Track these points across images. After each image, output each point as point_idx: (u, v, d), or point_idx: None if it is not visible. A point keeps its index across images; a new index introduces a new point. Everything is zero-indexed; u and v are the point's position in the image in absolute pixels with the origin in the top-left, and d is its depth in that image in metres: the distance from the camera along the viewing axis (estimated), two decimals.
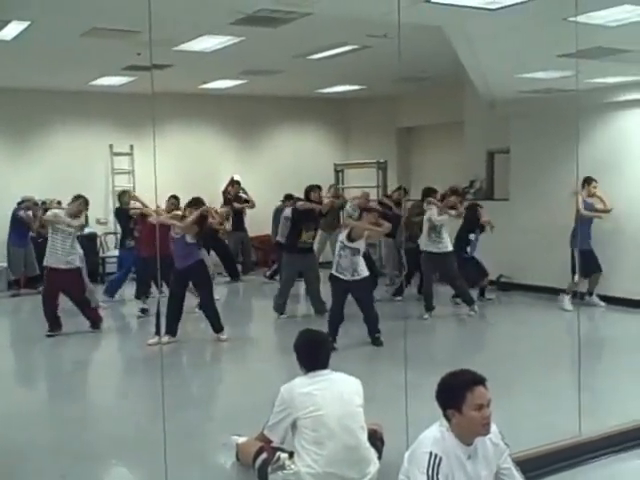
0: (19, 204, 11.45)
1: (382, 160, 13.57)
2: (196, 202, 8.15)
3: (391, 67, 9.40)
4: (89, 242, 11.42)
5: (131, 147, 13.32)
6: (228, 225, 12.12)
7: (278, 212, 12.28)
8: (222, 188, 13.11)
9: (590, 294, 9.55)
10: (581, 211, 8.93)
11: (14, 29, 7.86)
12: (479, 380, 3.24)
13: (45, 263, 8.44)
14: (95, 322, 8.65)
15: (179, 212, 8.45)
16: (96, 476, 4.69)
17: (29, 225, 11.42)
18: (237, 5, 6.90)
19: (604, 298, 9.55)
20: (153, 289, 9.37)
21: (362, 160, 14.18)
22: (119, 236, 11.42)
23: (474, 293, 10.00)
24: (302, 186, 13.12)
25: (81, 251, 9.04)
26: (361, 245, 7.68)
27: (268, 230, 12.98)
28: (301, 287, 10.22)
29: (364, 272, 7.66)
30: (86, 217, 10.80)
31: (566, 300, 9.22)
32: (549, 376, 6.70)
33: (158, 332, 7.68)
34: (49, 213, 8.71)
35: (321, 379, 4.06)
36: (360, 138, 15.27)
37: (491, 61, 8.17)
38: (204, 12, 7.24)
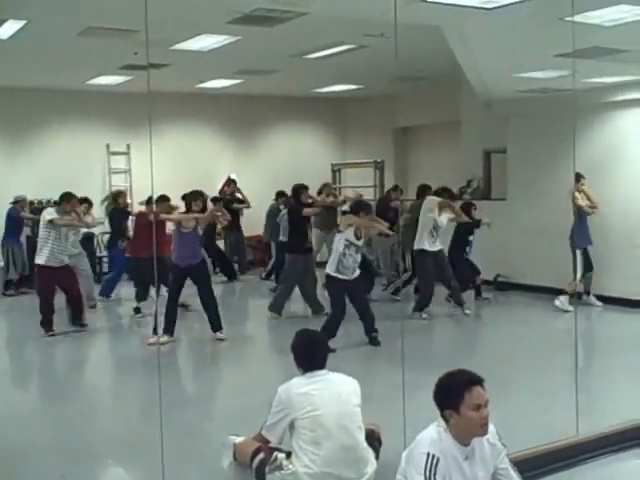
0: (13, 204, 11.42)
1: (379, 160, 13.57)
2: (196, 194, 8.15)
3: (388, 67, 9.42)
4: (86, 242, 11.38)
5: (128, 146, 13.30)
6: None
7: (272, 211, 12.29)
8: (219, 187, 13.11)
9: (587, 294, 9.56)
10: (583, 207, 8.98)
11: (10, 28, 7.84)
12: (477, 380, 3.23)
13: (41, 262, 8.38)
14: (83, 322, 8.67)
15: (179, 210, 8.42)
16: (95, 476, 4.69)
17: (22, 224, 11.41)
18: (234, 4, 6.90)
19: (600, 298, 9.57)
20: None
21: (359, 160, 14.19)
22: (107, 236, 11.38)
23: (471, 293, 10.02)
24: None
25: (78, 249, 9.07)
26: (362, 243, 7.75)
27: None
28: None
29: (358, 270, 7.70)
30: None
31: (565, 301, 9.21)
32: (546, 376, 6.70)
33: (157, 332, 7.67)
34: (51, 214, 8.60)
35: (318, 379, 4.06)
36: (357, 138, 15.27)
37: (488, 61, 8.18)
38: (201, 11, 7.23)
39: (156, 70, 10.05)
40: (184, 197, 8.34)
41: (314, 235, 10.76)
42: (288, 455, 4.00)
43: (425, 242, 9.09)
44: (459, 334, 9.04)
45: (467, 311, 9.22)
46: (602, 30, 6.63)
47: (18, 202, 11.44)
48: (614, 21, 6.48)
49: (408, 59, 9.51)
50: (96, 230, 12.73)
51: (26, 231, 11.92)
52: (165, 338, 7.73)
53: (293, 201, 9.58)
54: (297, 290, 9.39)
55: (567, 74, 7.62)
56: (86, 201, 10.05)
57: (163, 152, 12.70)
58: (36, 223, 11.51)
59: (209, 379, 7.14)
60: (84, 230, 10.72)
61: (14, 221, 11.36)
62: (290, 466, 3.93)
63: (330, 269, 7.62)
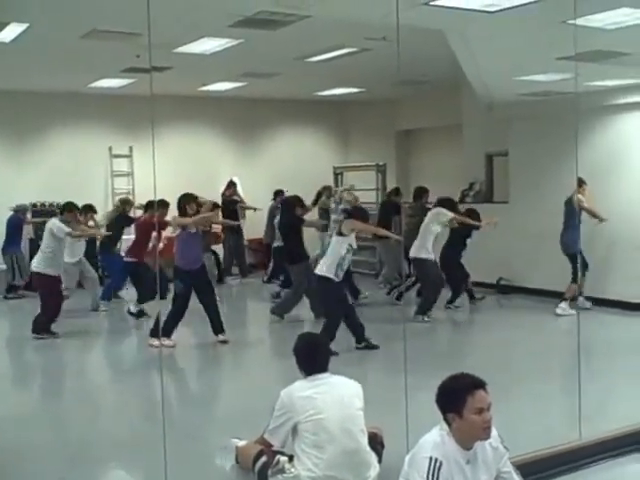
0: (15, 211, 11.44)
1: (381, 163, 13.56)
2: (189, 197, 8.19)
3: (390, 70, 9.36)
4: (88, 244, 11.41)
5: (130, 149, 13.31)
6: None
7: (272, 211, 12.37)
8: (221, 190, 13.14)
9: (579, 294, 9.52)
10: (591, 210, 8.98)
11: (13, 31, 7.85)
12: (479, 384, 3.23)
13: (54, 273, 8.49)
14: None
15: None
16: (96, 478, 4.67)
17: (22, 230, 11.49)
18: (236, 7, 6.90)
19: (601, 301, 9.54)
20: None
21: (361, 163, 14.17)
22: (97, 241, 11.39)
23: (464, 297, 10.01)
24: (301, 189, 13.16)
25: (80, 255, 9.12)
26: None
27: None
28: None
29: None
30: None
31: (567, 306, 9.20)
32: (547, 380, 6.70)
33: (158, 335, 7.66)
34: (56, 225, 8.64)
35: (321, 382, 4.05)
36: (359, 141, 15.28)
37: (490, 64, 8.18)
38: (203, 14, 7.24)
39: (159, 73, 10.06)
40: (178, 201, 8.29)
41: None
42: (291, 459, 3.99)
43: (429, 250, 9.08)
44: (460, 337, 9.04)
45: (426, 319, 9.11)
46: (604, 33, 6.63)
47: (19, 211, 11.47)
48: (616, 24, 6.47)
49: (410, 62, 9.51)
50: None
51: (29, 234, 11.96)
52: (170, 342, 7.73)
53: (287, 213, 9.51)
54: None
55: (569, 77, 7.62)
56: (91, 209, 10.11)
57: (166, 155, 12.71)
58: (39, 227, 11.59)
59: (211, 382, 7.14)
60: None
61: (15, 228, 11.38)
62: (293, 470, 3.92)
63: (328, 272, 7.50)
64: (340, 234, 7.64)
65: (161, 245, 8.60)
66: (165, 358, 7.42)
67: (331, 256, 7.59)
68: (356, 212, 8.03)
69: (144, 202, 10.31)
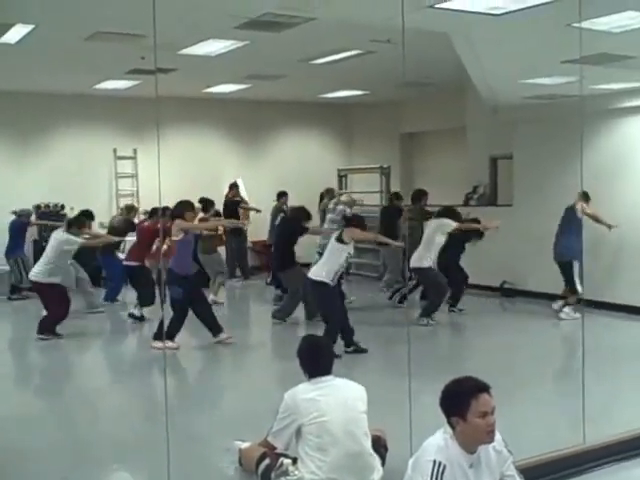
0: (19, 216, 11.45)
1: (385, 165, 13.56)
2: (187, 205, 8.12)
3: (394, 72, 9.39)
4: (91, 248, 11.44)
5: (135, 151, 13.32)
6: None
7: (275, 212, 12.38)
8: (225, 192, 13.18)
9: (566, 304, 9.44)
10: (596, 216, 8.95)
11: (18, 32, 7.87)
12: (483, 387, 3.22)
13: (51, 280, 8.52)
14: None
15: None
16: (98, 479, 4.67)
17: (25, 234, 11.52)
18: (241, 9, 6.91)
19: (607, 305, 9.50)
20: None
21: (365, 165, 14.18)
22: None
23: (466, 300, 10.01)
24: (305, 191, 13.21)
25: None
26: None
27: None
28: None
29: None
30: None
31: (570, 311, 9.17)
32: (552, 383, 6.68)
33: (161, 338, 7.66)
34: (64, 237, 8.69)
35: (324, 385, 4.05)
36: (363, 143, 15.27)
37: (495, 67, 8.17)
38: (208, 16, 7.25)
39: (163, 75, 10.08)
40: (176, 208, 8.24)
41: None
42: (294, 461, 3.99)
43: (431, 259, 9.07)
44: (464, 340, 9.02)
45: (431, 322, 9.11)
46: (609, 36, 6.62)
47: (22, 215, 11.48)
48: (621, 27, 6.45)
49: (415, 65, 9.50)
50: None
51: (33, 235, 11.98)
52: (173, 344, 7.73)
53: (293, 224, 9.50)
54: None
55: (574, 80, 7.61)
56: (90, 216, 10.17)
57: (170, 157, 12.73)
58: (44, 228, 11.62)
59: (214, 384, 7.14)
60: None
61: (19, 232, 11.38)
62: (296, 472, 3.92)
63: (326, 278, 7.43)
64: (340, 241, 7.52)
65: (165, 247, 8.62)
66: (167, 360, 7.42)
67: (330, 263, 7.52)
68: (354, 220, 7.96)
69: (148, 205, 10.35)
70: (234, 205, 12.94)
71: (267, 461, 4.07)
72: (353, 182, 14.66)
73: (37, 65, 10.00)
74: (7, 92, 11.99)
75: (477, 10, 6.11)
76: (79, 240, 8.70)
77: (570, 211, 9.22)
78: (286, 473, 3.95)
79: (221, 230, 11.44)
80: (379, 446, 4.19)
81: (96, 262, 11.17)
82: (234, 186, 13.28)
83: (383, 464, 4.13)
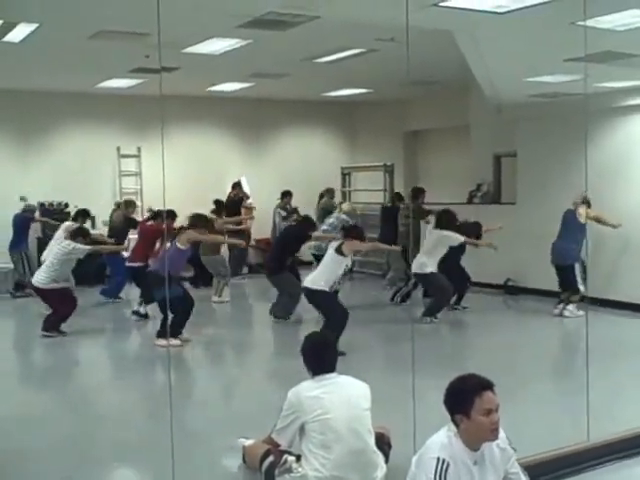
0: (24, 211, 11.49)
1: (389, 163, 13.56)
2: (203, 219, 8.34)
3: (398, 71, 9.39)
4: (96, 244, 11.46)
5: (138, 149, 13.34)
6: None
7: (279, 210, 12.45)
8: (228, 191, 13.21)
9: (569, 302, 9.44)
10: (600, 217, 8.94)
11: (22, 31, 7.89)
12: (487, 385, 3.23)
13: (54, 286, 8.53)
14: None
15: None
16: (102, 476, 4.67)
17: (28, 229, 11.55)
18: (245, 8, 6.91)
19: (611, 303, 9.50)
20: None
21: (369, 163, 14.18)
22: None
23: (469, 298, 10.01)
24: (309, 189, 13.24)
25: None
26: None
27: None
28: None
29: None
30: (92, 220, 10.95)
31: (574, 309, 9.17)
32: (555, 381, 6.68)
33: (165, 335, 7.67)
34: (80, 246, 8.71)
35: (328, 382, 4.05)
36: (367, 141, 15.27)
37: (498, 65, 8.17)
38: (212, 15, 7.25)
39: (167, 73, 10.08)
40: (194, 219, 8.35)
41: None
42: (298, 458, 4.00)
43: (433, 266, 9.07)
44: (467, 338, 9.02)
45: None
46: (614, 35, 6.61)
47: (27, 211, 11.52)
48: (625, 26, 6.46)
49: (418, 63, 9.50)
50: (106, 232, 12.83)
51: (37, 232, 12.01)
52: (176, 341, 7.75)
53: (300, 234, 9.50)
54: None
55: (578, 78, 7.60)
56: (87, 214, 10.20)
57: (174, 155, 12.76)
58: (47, 226, 11.65)
59: (218, 381, 7.14)
60: (95, 231, 10.92)
61: (23, 226, 11.41)
62: (300, 469, 3.93)
63: (325, 286, 7.43)
64: (340, 253, 7.46)
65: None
66: (170, 358, 7.42)
67: (328, 273, 7.49)
68: (353, 232, 7.82)
69: (151, 203, 10.38)
70: (236, 204, 12.99)
71: (271, 458, 4.08)
72: (357, 180, 14.67)
73: (41, 64, 10.01)
74: (11, 91, 12.01)
75: (481, 8, 6.12)
76: (87, 248, 8.70)
77: (570, 215, 9.21)
78: (290, 470, 3.96)
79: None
80: (383, 443, 4.20)
81: (101, 259, 11.19)
82: (237, 185, 13.33)
83: (387, 461, 4.14)
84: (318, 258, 8.97)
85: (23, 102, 12.41)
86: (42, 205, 12.25)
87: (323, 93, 13.49)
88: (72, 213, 11.24)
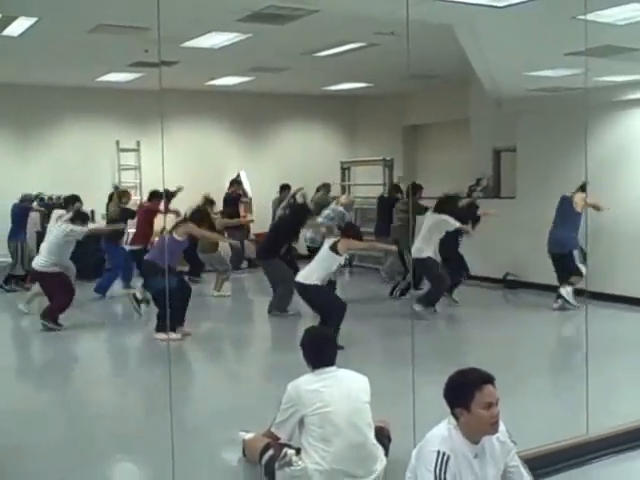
0: (21, 201, 11.48)
1: (389, 158, 13.56)
2: (204, 215, 8.50)
3: (398, 65, 9.38)
4: (93, 237, 11.46)
5: (138, 143, 13.33)
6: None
7: (278, 204, 12.47)
8: (228, 185, 13.22)
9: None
10: (594, 204, 8.92)
11: (21, 25, 7.88)
12: (488, 379, 3.23)
13: (54, 269, 8.53)
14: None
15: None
16: (102, 471, 4.68)
17: (27, 219, 11.52)
18: (245, 2, 6.90)
19: (608, 297, 9.50)
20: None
21: (369, 157, 14.18)
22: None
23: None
24: (309, 183, 13.21)
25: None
26: None
27: None
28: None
29: None
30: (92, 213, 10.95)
31: (571, 292, 9.15)
32: (554, 375, 6.69)
33: (165, 329, 7.67)
34: (77, 228, 8.71)
35: (328, 376, 4.06)
36: (367, 135, 15.26)
37: (498, 59, 8.15)
38: (211, 9, 7.25)
39: (166, 67, 10.06)
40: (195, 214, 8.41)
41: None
42: (298, 452, 4.00)
43: (430, 250, 9.06)
44: (466, 332, 9.03)
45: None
46: (614, 29, 6.60)
47: (25, 200, 11.51)
48: (626, 20, 6.45)
49: (418, 57, 9.48)
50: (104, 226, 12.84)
51: (36, 226, 12.00)
52: (176, 335, 7.75)
53: (297, 220, 9.53)
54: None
55: (578, 73, 7.60)
56: (77, 200, 10.18)
57: (173, 149, 12.75)
58: (46, 219, 11.63)
59: (218, 375, 7.15)
60: (94, 226, 10.90)
61: (21, 216, 11.39)
62: (300, 462, 3.93)
63: (317, 281, 7.41)
64: (335, 251, 7.43)
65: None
66: (167, 351, 7.40)
67: (321, 269, 7.47)
68: (349, 231, 7.80)
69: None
70: (234, 200, 12.98)
71: (271, 452, 4.08)
72: (356, 174, 14.67)
73: (40, 58, 10.00)
74: (10, 85, 12.00)
75: (481, 2, 6.11)
76: (84, 229, 8.70)
77: (566, 202, 9.21)
78: (290, 464, 3.96)
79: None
80: (382, 437, 4.20)
81: (100, 252, 11.18)
82: (235, 182, 13.34)
83: (386, 454, 4.15)
84: (312, 251, 8.95)
85: (22, 96, 12.39)
86: (41, 199, 12.23)
87: (323, 87, 13.47)
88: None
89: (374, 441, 4.05)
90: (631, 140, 9.76)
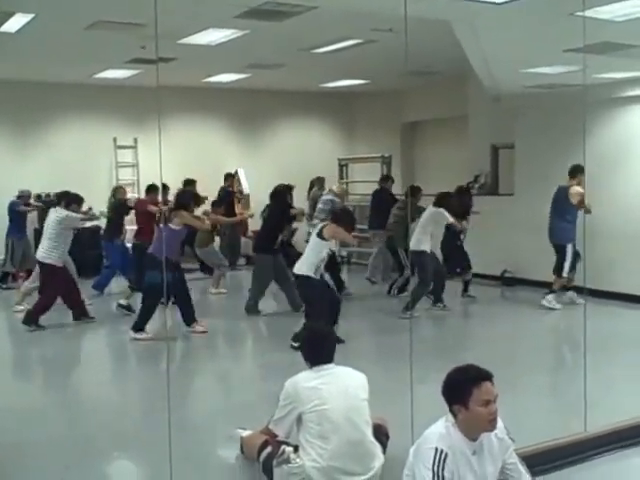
0: (18, 197, 11.45)
1: (386, 154, 13.53)
2: (191, 194, 8.34)
3: (396, 61, 9.35)
4: (92, 234, 11.46)
5: (135, 140, 13.31)
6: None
7: None
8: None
9: (569, 289, 9.47)
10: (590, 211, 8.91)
11: (18, 21, 7.85)
12: (486, 376, 3.22)
13: (59, 264, 8.49)
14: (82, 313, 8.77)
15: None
16: (100, 468, 4.68)
17: (26, 217, 11.47)
18: None
19: (607, 294, 9.51)
20: None
21: (366, 154, 14.16)
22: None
23: (457, 290, 9.98)
24: (306, 181, 13.20)
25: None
26: None
27: None
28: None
29: None
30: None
31: (553, 299, 9.19)
32: (552, 372, 6.68)
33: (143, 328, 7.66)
34: (73, 214, 8.67)
35: (326, 373, 4.05)
36: (364, 132, 15.25)
37: (497, 55, 8.14)
38: (209, 5, 7.23)
39: (163, 64, 10.06)
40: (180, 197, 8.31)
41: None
42: (295, 449, 4.00)
43: (428, 243, 9.04)
44: (464, 329, 9.04)
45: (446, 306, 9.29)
46: (613, 25, 6.59)
47: (22, 197, 11.48)
48: (625, 16, 6.43)
49: (416, 54, 9.48)
50: (102, 223, 12.81)
51: (34, 223, 11.97)
52: (201, 328, 7.77)
53: (280, 201, 9.55)
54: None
55: (577, 69, 7.58)
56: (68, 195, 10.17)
57: (170, 146, 12.69)
58: (44, 217, 11.59)
59: (216, 372, 7.14)
60: (91, 224, 10.87)
61: (17, 212, 11.37)
62: (297, 460, 3.92)
63: (309, 271, 7.29)
64: (321, 237, 7.31)
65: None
66: (164, 349, 7.40)
67: (310, 258, 7.36)
68: (341, 216, 7.59)
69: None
70: (228, 195, 12.94)
71: (269, 449, 4.08)
72: (354, 171, 14.65)
73: (37, 54, 9.97)
74: (7, 81, 11.97)
75: None
76: (79, 216, 8.68)
77: (562, 192, 9.20)
78: (288, 461, 3.95)
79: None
80: (380, 434, 4.20)
81: (98, 250, 11.16)
82: (230, 176, 13.31)
83: (384, 452, 4.14)
84: None
85: (19, 93, 12.36)
86: (39, 197, 12.20)
87: (321, 84, 13.46)
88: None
89: (372, 438, 4.04)
90: (630, 137, 9.75)
